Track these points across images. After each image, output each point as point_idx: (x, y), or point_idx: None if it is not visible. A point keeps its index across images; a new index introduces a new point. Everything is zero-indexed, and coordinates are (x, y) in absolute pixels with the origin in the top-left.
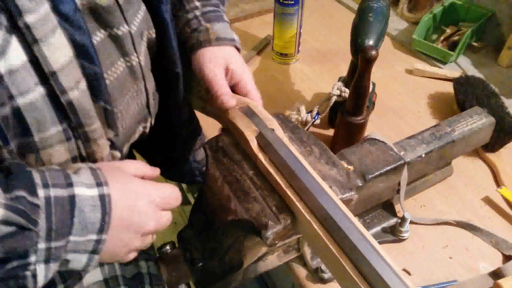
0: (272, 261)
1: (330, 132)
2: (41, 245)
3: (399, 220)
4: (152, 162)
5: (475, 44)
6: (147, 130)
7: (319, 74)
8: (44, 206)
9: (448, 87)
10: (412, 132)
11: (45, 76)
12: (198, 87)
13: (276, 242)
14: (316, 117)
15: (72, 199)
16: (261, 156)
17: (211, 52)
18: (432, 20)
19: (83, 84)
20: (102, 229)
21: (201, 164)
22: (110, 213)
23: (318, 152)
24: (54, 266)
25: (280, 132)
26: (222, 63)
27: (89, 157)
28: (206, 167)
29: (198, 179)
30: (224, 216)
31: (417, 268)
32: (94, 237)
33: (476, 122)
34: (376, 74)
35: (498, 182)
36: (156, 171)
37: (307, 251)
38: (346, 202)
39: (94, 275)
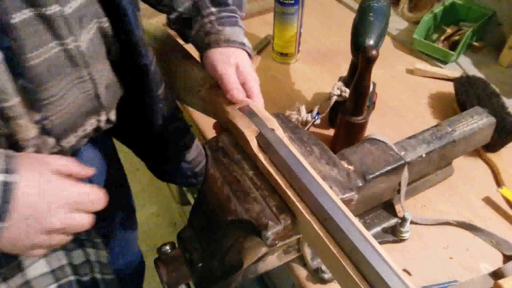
0: (272, 261)
1: (331, 132)
2: None
3: (400, 220)
4: (142, 159)
5: (475, 44)
6: (103, 124)
7: (319, 74)
8: None
9: (449, 87)
10: (412, 132)
11: None
12: (198, 87)
13: (276, 242)
14: (316, 117)
15: None
16: (261, 156)
17: (221, 51)
18: (432, 20)
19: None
20: (1, 217)
21: (193, 164)
22: (11, 202)
23: (318, 152)
24: None
25: (280, 132)
26: (233, 62)
27: (11, 137)
28: (206, 167)
29: (191, 180)
30: (224, 216)
31: (417, 268)
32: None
33: (477, 122)
34: (377, 74)
35: (498, 182)
36: (87, 171)
37: (307, 251)
38: (347, 202)
39: (39, 267)
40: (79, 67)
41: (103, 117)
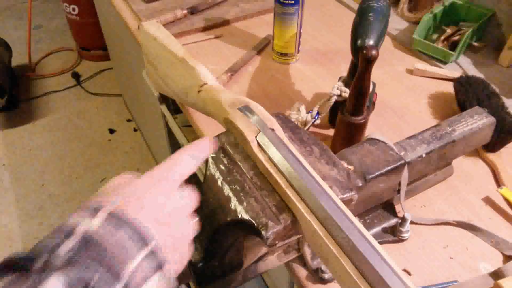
0: (272, 261)
1: (330, 132)
2: None
3: (400, 220)
4: None
5: (475, 44)
6: None
7: (319, 74)
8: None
9: (449, 87)
10: (412, 132)
11: None
12: (198, 87)
13: (276, 242)
14: (316, 117)
15: (89, 238)
16: (261, 156)
17: None
18: (432, 20)
19: None
20: (144, 239)
21: None
22: (131, 218)
23: (318, 152)
24: None
25: (280, 132)
26: None
27: None
28: (206, 167)
29: None
30: (224, 216)
31: (417, 268)
32: (144, 251)
33: (477, 122)
34: (377, 74)
35: (498, 182)
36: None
37: (307, 251)
38: (346, 202)
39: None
40: None
41: None
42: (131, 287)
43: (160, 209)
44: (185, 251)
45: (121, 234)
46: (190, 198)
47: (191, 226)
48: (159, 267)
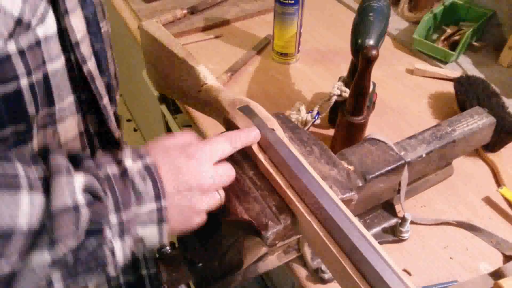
0: (272, 261)
1: (331, 132)
2: (113, 218)
3: (400, 220)
4: None
5: (475, 43)
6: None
7: (319, 74)
8: (107, 181)
9: (449, 87)
10: (412, 132)
11: (67, 47)
12: (198, 87)
13: (276, 242)
14: (316, 117)
15: (124, 172)
16: (261, 156)
17: None
18: (432, 20)
19: (93, 58)
20: (158, 196)
21: None
22: (160, 179)
23: (318, 152)
24: (129, 241)
25: (280, 132)
26: None
27: (99, 135)
28: None
29: None
30: (224, 216)
31: (417, 268)
32: (153, 206)
33: (477, 122)
34: (377, 73)
35: (498, 182)
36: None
37: (307, 251)
38: (347, 202)
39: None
40: (109, 48)
41: (117, 97)
42: (127, 224)
43: (184, 181)
44: (191, 220)
45: (143, 184)
46: (221, 177)
47: (207, 201)
48: (160, 222)
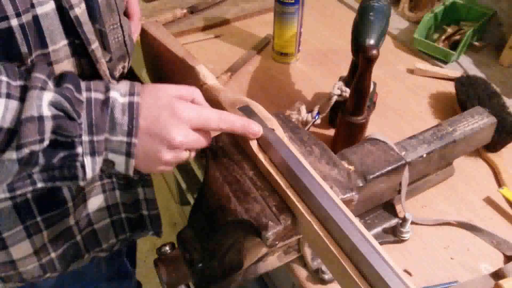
0: (272, 262)
1: (331, 132)
2: (85, 138)
3: (400, 221)
4: None
5: (476, 43)
6: (126, 70)
7: (319, 73)
8: (86, 104)
9: (450, 87)
10: (413, 132)
11: None
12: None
13: (276, 242)
14: (316, 117)
15: (107, 100)
16: (261, 156)
17: None
18: (433, 20)
19: (83, 4)
20: (130, 133)
21: None
22: (137, 118)
23: (318, 152)
24: (99, 160)
25: (280, 132)
26: None
27: (93, 78)
28: (206, 167)
29: None
30: (224, 217)
31: (418, 269)
32: (124, 139)
33: (478, 122)
34: (377, 73)
35: (499, 182)
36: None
37: (308, 252)
38: (347, 202)
39: (98, 202)
40: (114, 13)
41: (126, 63)
42: (98, 145)
43: (157, 131)
44: (154, 166)
45: (121, 117)
46: (192, 141)
47: (173, 155)
48: (128, 155)
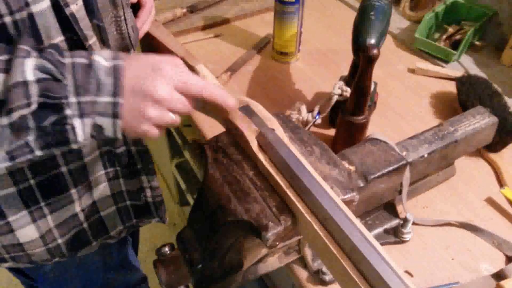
0: (273, 262)
1: (331, 132)
2: (72, 99)
3: (401, 221)
4: None
5: (477, 43)
6: None
7: (320, 73)
8: (70, 67)
9: (451, 87)
10: (414, 132)
11: None
12: None
13: (277, 243)
14: (317, 117)
15: (90, 63)
16: (261, 156)
17: None
18: (434, 19)
19: (80, 1)
20: (115, 93)
21: None
22: (121, 79)
23: (319, 152)
24: (88, 122)
25: (280, 132)
26: None
27: None
28: (206, 167)
29: None
30: (224, 217)
31: (419, 269)
32: (110, 99)
33: (479, 122)
34: (378, 73)
35: (500, 183)
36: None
37: (308, 252)
38: (348, 203)
39: (103, 190)
40: (119, 7)
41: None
42: (85, 106)
43: (141, 86)
44: (139, 124)
45: (105, 78)
46: (176, 100)
47: (157, 112)
48: (114, 116)
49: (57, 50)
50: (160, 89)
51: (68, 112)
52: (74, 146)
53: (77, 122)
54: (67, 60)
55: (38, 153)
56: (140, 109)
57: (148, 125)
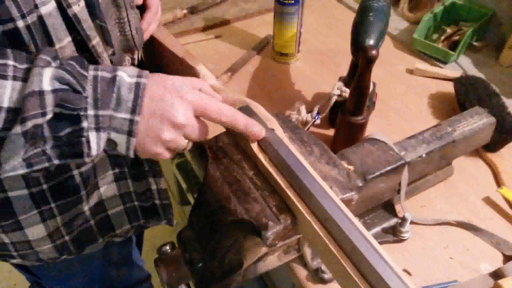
0: (272, 261)
1: (331, 132)
2: (90, 112)
3: (400, 221)
4: None
5: (476, 43)
6: (136, 62)
7: (319, 73)
8: (92, 80)
9: (449, 87)
10: (412, 132)
11: None
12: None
13: (276, 242)
14: (316, 117)
15: (113, 78)
16: (261, 156)
17: None
18: (432, 20)
19: (82, 2)
20: (134, 110)
21: None
22: (142, 97)
23: (318, 152)
24: (103, 137)
25: (280, 132)
26: None
27: None
28: (206, 167)
29: None
30: (224, 217)
31: (417, 268)
32: (128, 116)
33: (477, 122)
34: (377, 73)
35: (498, 182)
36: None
37: (308, 251)
38: (347, 202)
39: (110, 190)
40: (122, 9)
41: (136, 56)
42: (103, 120)
43: (161, 109)
44: (152, 146)
45: (128, 95)
46: (193, 127)
47: (173, 136)
48: (129, 134)
49: (79, 62)
50: (179, 114)
51: (84, 124)
52: (87, 160)
53: (92, 135)
54: (90, 73)
55: (56, 161)
56: (157, 131)
57: (162, 147)
